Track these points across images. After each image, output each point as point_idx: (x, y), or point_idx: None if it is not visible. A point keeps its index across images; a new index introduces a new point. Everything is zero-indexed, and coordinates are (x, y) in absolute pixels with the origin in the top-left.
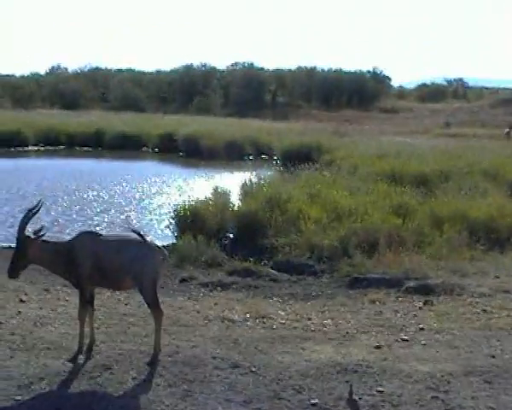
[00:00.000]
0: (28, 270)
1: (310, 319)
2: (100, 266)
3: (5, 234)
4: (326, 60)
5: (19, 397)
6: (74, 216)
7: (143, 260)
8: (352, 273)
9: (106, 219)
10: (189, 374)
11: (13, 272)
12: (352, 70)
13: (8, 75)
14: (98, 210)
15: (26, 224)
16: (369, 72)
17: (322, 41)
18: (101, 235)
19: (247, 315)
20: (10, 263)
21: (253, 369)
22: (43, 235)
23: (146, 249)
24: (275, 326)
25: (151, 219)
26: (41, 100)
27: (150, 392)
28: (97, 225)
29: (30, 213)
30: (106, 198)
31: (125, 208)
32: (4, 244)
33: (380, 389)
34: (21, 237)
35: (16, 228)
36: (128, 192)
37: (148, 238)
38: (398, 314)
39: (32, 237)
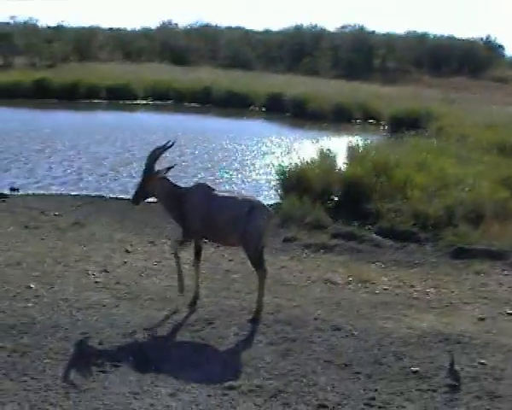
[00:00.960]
0: (134, 222)
1: (412, 286)
2: (208, 219)
3: (108, 186)
4: (438, 25)
5: (122, 344)
6: (177, 172)
7: (249, 218)
8: (457, 243)
9: (210, 177)
10: (290, 333)
11: (134, 199)
12: (465, 37)
13: (119, 29)
14: (202, 167)
15: (155, 158)
16: (481, 39)
17: (434, 6)
18: (214, 189)
19: (350, 279)
20: (134, 190)
21: (355, 333)
22: (162, 173)
23: (252, 208)
24: (377, 292)
25: (256, 179)
26: (151, 55)
27: (251, 348)
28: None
29: (161, 149)
30: (211, 156)
31: (231, 167)
32: (111, 195)
33: (482, 361)
34: (146, 169)
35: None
36: (234, 150)
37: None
38: (503, 287)
39: (154, 171)
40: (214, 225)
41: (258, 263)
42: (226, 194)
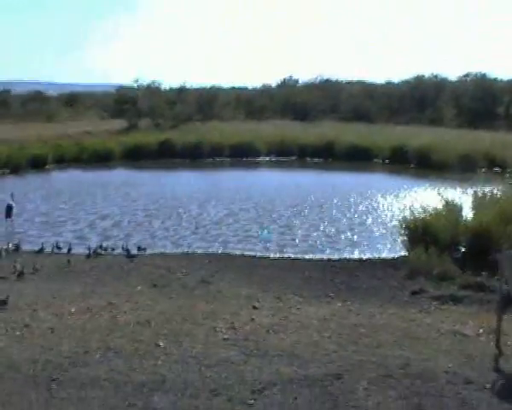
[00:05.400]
0: (261, 277)
1: None
2: None
3: (232, 244)
4: None
5: (251, 401)
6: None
7: None
8: None
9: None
10: (420, 387)
11: None
12: None
13: (241, 88)
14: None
15: None
16: None
17: None
18: None
19: (481, 330)
20: None
21: (488, 386)
22: None
23: None
24: (509, 343)
25: (383, 231)
26: (272, 111)
27: (381, 403)
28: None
29: None
30: (339, 210)
31: (357, 220)
32: (237, 252)
33: None
34: None
35: None
36: (360, 203)
37: None
38: None
39: None
40: None
41: None
42: None
